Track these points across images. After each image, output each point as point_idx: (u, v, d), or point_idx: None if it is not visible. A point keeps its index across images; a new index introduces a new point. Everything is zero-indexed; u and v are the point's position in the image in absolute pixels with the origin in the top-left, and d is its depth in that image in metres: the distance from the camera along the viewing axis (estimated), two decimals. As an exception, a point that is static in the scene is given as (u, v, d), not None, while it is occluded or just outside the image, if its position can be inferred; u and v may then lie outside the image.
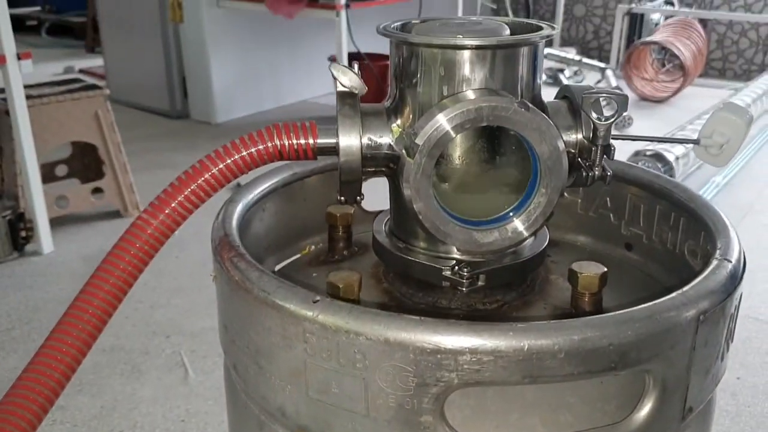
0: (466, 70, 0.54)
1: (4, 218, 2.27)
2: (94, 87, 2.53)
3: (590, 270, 0.57)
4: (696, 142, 0.62)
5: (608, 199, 0.75)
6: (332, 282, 0.56)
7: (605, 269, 0.57)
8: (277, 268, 0.75)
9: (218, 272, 0.57)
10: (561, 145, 0.51)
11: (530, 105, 0.51)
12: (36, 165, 2.27)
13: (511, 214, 0.54)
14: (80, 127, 2.49)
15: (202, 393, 1.65)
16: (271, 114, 4.05)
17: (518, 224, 0.54)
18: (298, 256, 0.77)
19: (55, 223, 2.41)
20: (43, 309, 2.06)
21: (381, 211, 0.70)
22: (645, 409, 0.48)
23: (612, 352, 0.45)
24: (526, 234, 0.54)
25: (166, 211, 0.57)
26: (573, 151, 0.57)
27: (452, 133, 0.51)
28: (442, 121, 0.50)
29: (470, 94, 0.52)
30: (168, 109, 3.90)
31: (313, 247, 0.78)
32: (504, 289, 0.60)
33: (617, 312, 0.46)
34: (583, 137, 0.56)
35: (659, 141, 0.63)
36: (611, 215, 0.76)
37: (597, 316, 0.46)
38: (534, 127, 0.50)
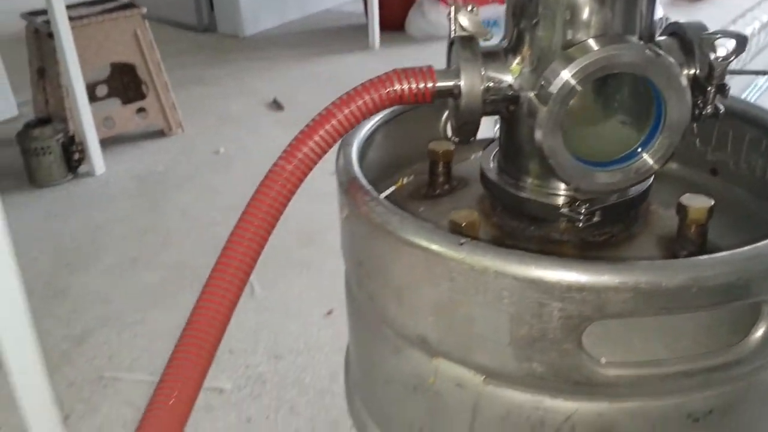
0: (591, 11, 0.56)
1: (58, 141, 2.32)
2: (130, 6, 2.51)
3: (699, 203, 0.61)
4: (797, 75, 0.65)
5: (695, 125, 0.78)
6: (455, 220, 0.61)
7: (713, 202, 0.61)
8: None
9: (353, 214, 0.62)
10: (687, 89, 0.55)
11: (658, 50, 0.54)
12: (83, 87, 2.30)
13: (638, 151, 0.58)
14: (120, 47, 2.49)
15: (269, 306, 1.74)
16: (297, 24, 4.00)
17: (641, 165, 0.57)
18: (393, 188, 0.81)
19: (103, 144, 2.46)
20: (104, 228, 2.15)
21: (485, 142, 0.74)
22: (759, 332, 0.53)
23: (738, 286, 0.49)
24: (648, 174, 0.58)
25: (298, 159, 0.61)
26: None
27: (584, 83, 0.54)
28: (574, 70, 0.53)
29: (596, 43, 0.55)
30: (195, 23, 3.87)
31: (405, 179, 0.82)
32: (611, 222, 0.65)
33: (744, 249, 0.51)
34: (697, 75, 0.59)
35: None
36: (697, 140, 0.79)
37: (726, 253, 0.50)
38: (662, 72, 0.53)
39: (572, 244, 0.64)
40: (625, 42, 0.55)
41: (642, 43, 0.54)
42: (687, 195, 0.62)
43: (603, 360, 0.52)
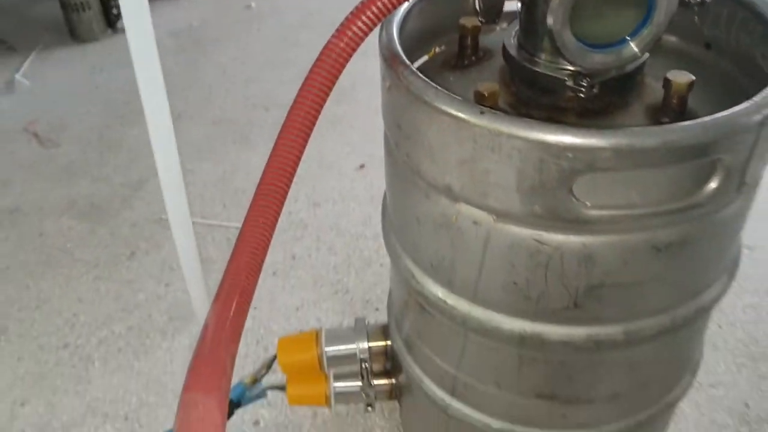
0: None
1: (96, -4, 2.41)
2: None
3: (681, 78, 0.74)
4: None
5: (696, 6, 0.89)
6: (479, 91, 0.75)
7: (693, 78, 0.74)
8: (414, 67, 0.93)
9: (394, 85, 0.76)
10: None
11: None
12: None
13: (627, 38, 0.70)
14: None
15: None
16: None
17: (628, 51, 0.70)
18: (426, 57, 0.94)
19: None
20: (148, 84, 2.28)
21: (511, 16, 0.86)
22: (713, 184, 0.68)
23: (699, 147, 0.64)
24: (639, 56, 0.71)
25: (349, 35, 0.73)
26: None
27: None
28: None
29: None
30: None
31: (438, 49, 0.95)
32: (609, 93, 0.78)
33: (704, 119, 0.64)
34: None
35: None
36: (696, 17, 0.90)
37: (690, 122, 0.64)
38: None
39: (575, 112, 0.78)
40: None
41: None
42: (673, 71, 0.75)
43: (588, 203, 0.68)
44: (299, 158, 0.77)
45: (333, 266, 1.58)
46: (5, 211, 1.75)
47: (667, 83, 0.74)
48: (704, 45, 0.91)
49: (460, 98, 0.69)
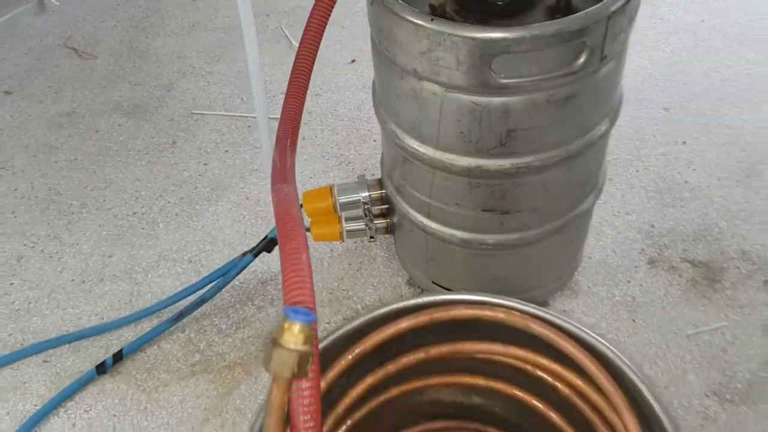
0: None
1: None
2: None
3: (565, -12, 1.11)
4: None
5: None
6: (432, 3, 1.12)
7: (573, -13, 1.11)
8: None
9: (375, 2, 1.13)
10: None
11: None
12: None
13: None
14: None
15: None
16: None
17: None
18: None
19: None
20: (160, -2, 2.61)
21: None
22: (583, 57, 1.07)
23: (568, 35, 1.02)
24: None
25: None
26: None
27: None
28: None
29: None
30: None
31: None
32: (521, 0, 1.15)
33: (570, 16, 1.02)
34: None
35: None
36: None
37: (560, 19, 1.02)
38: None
39: (498, 14, 1.15)
40: None
41: None
42: (560, -17, 1.12)
43: (502, 75, 1.07)
44: (316, 52, 1.15)
45: (336, 144, 1.98)
46: (63, 115, 2.13)
47: (556, -9, 1.12)
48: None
49: (418, 10, 1.07)
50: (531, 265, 1.42)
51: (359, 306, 1.55)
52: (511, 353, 0.87)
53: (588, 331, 0.86)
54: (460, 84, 1.09)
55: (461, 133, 1.17)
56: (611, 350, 0.84)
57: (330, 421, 0.89)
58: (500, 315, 0.81)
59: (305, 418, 0.61)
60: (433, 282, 1.50)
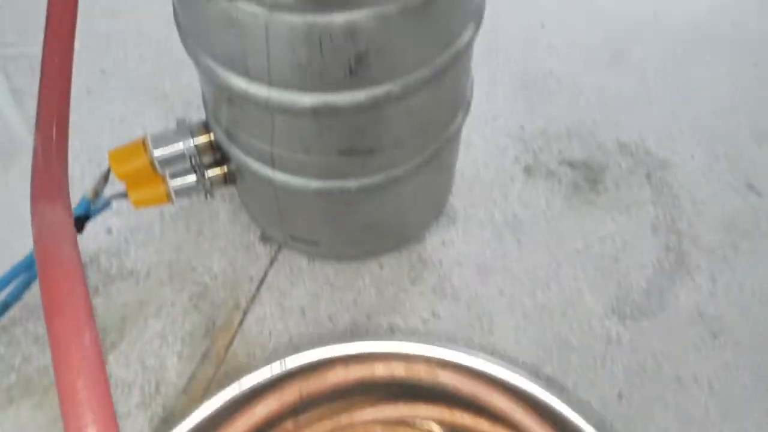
0: None
1: None
2: None
3: None
4: None
5: None
6: None
7: None
8: None
9: None
10: None
11: None
12: None
13: None
14: None
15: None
16: None
17: None
18: None
19: None
20: None
21: None
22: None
23: None
24: None
25: None
26: None
27: None
28: None
29: None
30: None
31: None
32: None
33: None
34: None
35: None
36: None
37: None
38: None
39: None
40: None
41: None
42: None
43: (342, -15, 0.80)
44: None
45: (146, 74, 1.63)
46: None
47: None
48: None
49: None
50: (403, 204, 1.20)
51: (207, 278, 1.29)
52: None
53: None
54: (288, 1, 0.81)
55: (298, 64, 0.90)
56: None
57: None
58: (399, 370, 0.59)
59: None
60: (291, 237, 1.26)
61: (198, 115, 1.51)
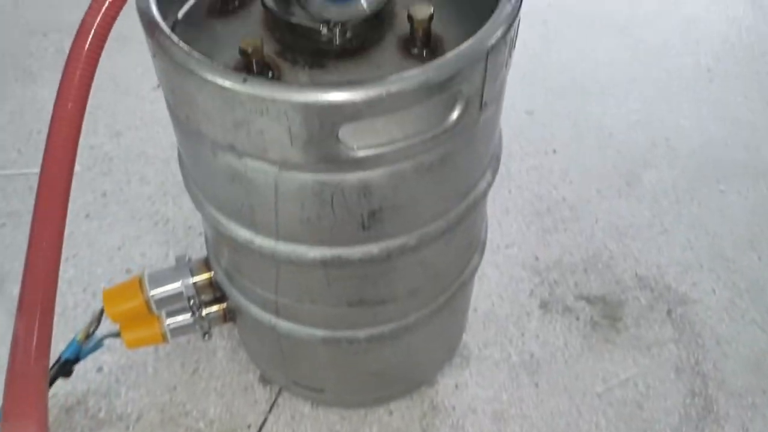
0: None
1: None
2: None
3: (422, 13, 0.81)
4: None
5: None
6: (243, 48, 0.78)
7: (431, 11, 0.81)
8: (181, 14, 0.94)
9: (158, 54, 0.77)
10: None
11: None
12: None
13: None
14: None
15: (100, 85, 1.83)
16: None
17: (359, 7, 0.76)
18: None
19: None
20: None
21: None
22: (457, 111, 0.78)
23: (438, 83, 0.72)
24: (368, 12, 0.76)
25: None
26: None
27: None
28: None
29: None
30: None
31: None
32: (363, 31, 0.84)
33: (439, 59, 0.73)
34: None
35: None
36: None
37: (429, 64, 0.72)
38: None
39: (335, 52, 0.84)
40: None
41: None
42: (415, 5, 0.82)
43: (355, 146, 0.76)
44: (74, 154, 0.77)
45: (148, 197, 1.59)
46: None
47: (410, 18, 0.82)
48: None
49: (222, 66, 0.73)
50: (415, 350, 1.13)
51: (201, 424, 1.20)
52: None
53: None
54: (298, 161, 0.77)
55: (308, 219, 0.85)
56: None
57: None
58: None
59: None
60: (294, 382, 1.18)
61: (200, 242, 1.46)
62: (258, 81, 0.71)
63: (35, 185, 1.50)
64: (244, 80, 0.71)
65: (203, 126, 0.79)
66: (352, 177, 0.79)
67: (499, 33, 0.76)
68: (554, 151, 1.66)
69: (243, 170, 0.81)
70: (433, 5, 0.82)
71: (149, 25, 0.78)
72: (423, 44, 0.83)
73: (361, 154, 0.76)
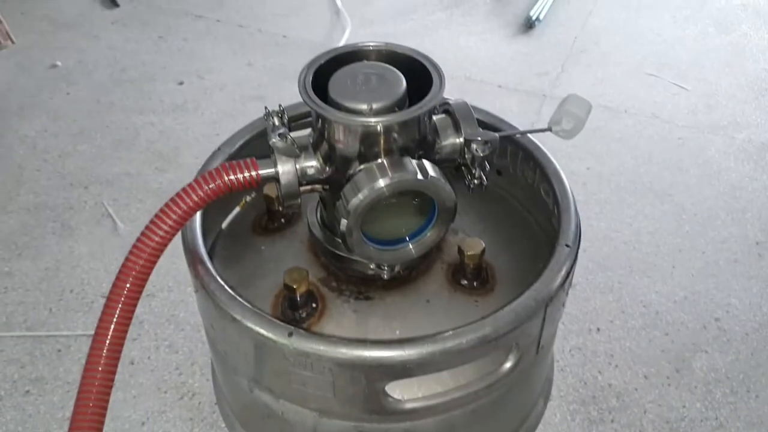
0: (374, 137, 0.68)
1: None
2: None
3: (473, 249, 0.78)
4: (548, 129, 0.80)
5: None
6: (288, 284, 0.75)
7: (483, 245, 0.78)
8: (225, 225, 0.92)
9: (202, 293, 0.74)
10: (452, 196, 0.69)
11: (429, 172, 0.67)
12: None
13: (406, 240, 0.73)
14: None
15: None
16: None
17: (406, 251, 0.73)
18: (237, 209, 0.93)
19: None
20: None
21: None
22: (511, 360, 0.73)
23: (494, 339, 0.68)
24: (415, 256, 0.73)
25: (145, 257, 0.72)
26: (458, 159, 0.75)
27: (371, 204, 0.67)
28: (363, 195, 0.66)
29: (380, 171, 0.67)
30: None
31: (248, 198, 0.93)
32: (412, 262, 0.81)
33: (495, 314, 0.68)
34: (464, 143, 0.73)
35: (521, 133, 0.76)
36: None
37: (483, 320, 0.68)
38: (433, 189, 0.67)
39: (383, 282, 0.80)
40: (403, 168, 0.67)
41: (417, 166, 0.67)
42: (466, 240, 0.79)
43: (403, 398, 0.71)
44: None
45: (175, 367, 1.53)
46: None
47: (460, 251, 0.78)
48: (496, 172, 0.96)
49: (268, 314, 0.69)
50: None
51: None
52: None
53: None
54: (340, 412, 0.72)
55: (347, 461, 0.79)
56: None
57: None
58: None
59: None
60: None
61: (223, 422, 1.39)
62: (304, 336, 0.67)
63: (64, 349, 1.46)
64: (290, 334, 0.67)
65: (241, 365, 0.75)
66: (399, 426, 0.74)
67: (558, 281, 0.72)
68: (598, 330, 1.60)
69: (279, 411, 0.76)
70: (480, 228, 0.80)
71: (194, 261, 0.76)
72: (473, 276, 0.80)
73: (409, 406, 0.71)
